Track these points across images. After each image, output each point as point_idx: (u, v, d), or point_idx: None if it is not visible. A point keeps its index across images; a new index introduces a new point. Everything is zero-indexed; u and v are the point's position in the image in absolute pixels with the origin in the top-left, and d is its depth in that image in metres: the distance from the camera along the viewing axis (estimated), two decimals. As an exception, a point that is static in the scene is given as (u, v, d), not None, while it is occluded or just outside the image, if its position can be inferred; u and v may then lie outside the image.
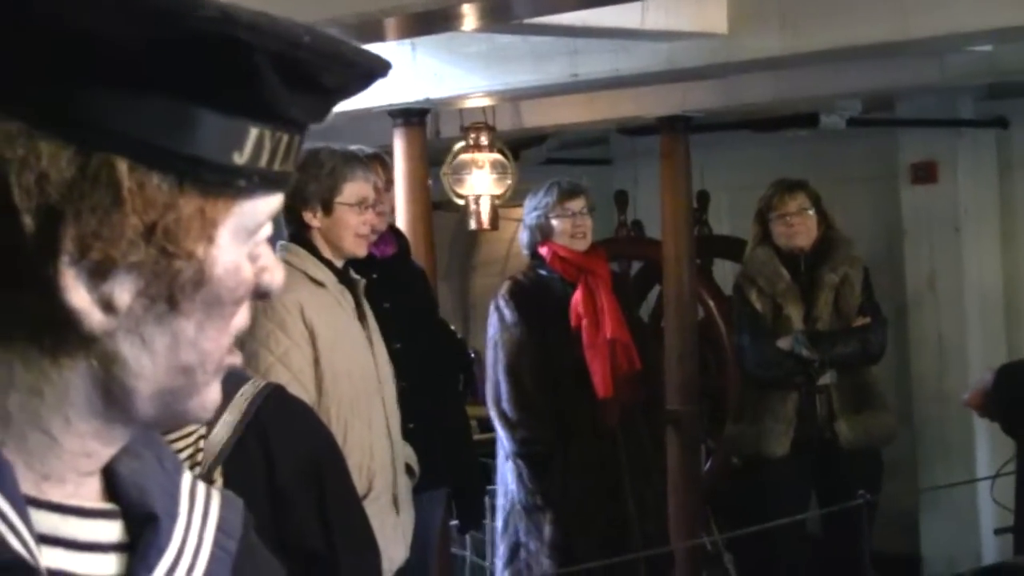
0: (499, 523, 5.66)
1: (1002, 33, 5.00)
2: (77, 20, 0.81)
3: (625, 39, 5.29)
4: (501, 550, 5.64)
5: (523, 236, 5.66)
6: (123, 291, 0.87)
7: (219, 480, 2.33)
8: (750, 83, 6.53)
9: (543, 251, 5.52)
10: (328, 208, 3.89)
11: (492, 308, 5.55)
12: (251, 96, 0.88)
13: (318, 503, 2.58)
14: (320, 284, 3.85)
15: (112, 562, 0.93)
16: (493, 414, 5.48)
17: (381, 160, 4.83)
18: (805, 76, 6.35)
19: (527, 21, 4.75)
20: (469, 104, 6.46)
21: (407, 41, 5.55)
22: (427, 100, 5.95)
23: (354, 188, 3.92)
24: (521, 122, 7.39)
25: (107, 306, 0.86)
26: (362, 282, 3.99)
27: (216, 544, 1.00)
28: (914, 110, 7.99)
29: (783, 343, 5.67)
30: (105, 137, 0.84)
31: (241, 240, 0.92)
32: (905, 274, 8.05)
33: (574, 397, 5.40)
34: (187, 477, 1.02)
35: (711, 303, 7.82)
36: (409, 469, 4.16)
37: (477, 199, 6.79)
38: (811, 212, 5.77)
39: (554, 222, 5.49)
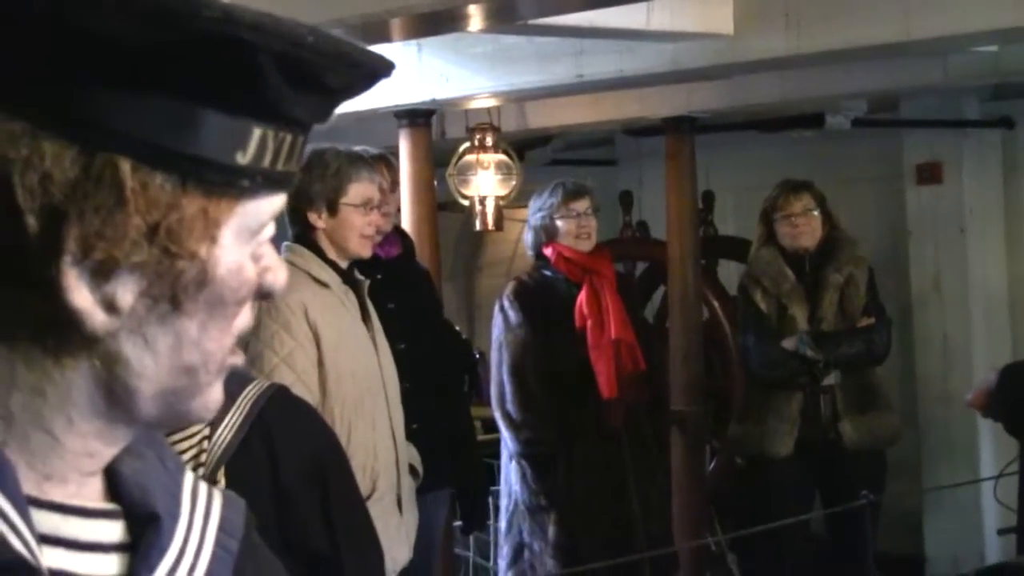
0: (503, 524, 5.66)
1: (1006, 34, 5.00)
2: (80, 20, 0.81)
3: (630, 40, 5.30)
4: (505, 551, 5.65)
5: (528, 237, 5.66)
6: (126, 291, 0.87)
7: (223, 480, 2.33)
8: (755, 84, 6.53)
9: (548, 252, 5.52)
10: (333, 209, 3.89)
11: (496, 309, 5.55)
12: (254, 96, 0.88)
13: (322, 503, 2.58)
14: (324, 285, 3.85)
15: (114, 562, 0.93)
16: (497, 415, 5.48)
17: (386, 161, 4.83)
18: (810, 77, 6.35)
19: (532, 22, 4.76)
20: (474, 105, 6.47)
21: (413, 42, 5.56)
22: (432, 101, 5.95)
23: (359, 189, 3.92)
24: (526, 123, 7.39)
25: (110, 306, 0.86)
26: (366, 283, 3.99)
27: (218, 544, 1.00)
28: (919, 111, 7.99)
29: (788, 343, 5.67)
30: (108, 137, 0.84)
31: (244, 240, 0.92)
32: (910, 275, 8.05)
33: (578, 398, 5.40)
34: (189, 477, 1.02)
35: (716, 304, 7.81)
36: (413, 470, 4.16)
37: (482, 200, 6.79)
38: (816, 213, 5.76)
39: (559, 223, 5.49)
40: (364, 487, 3.53)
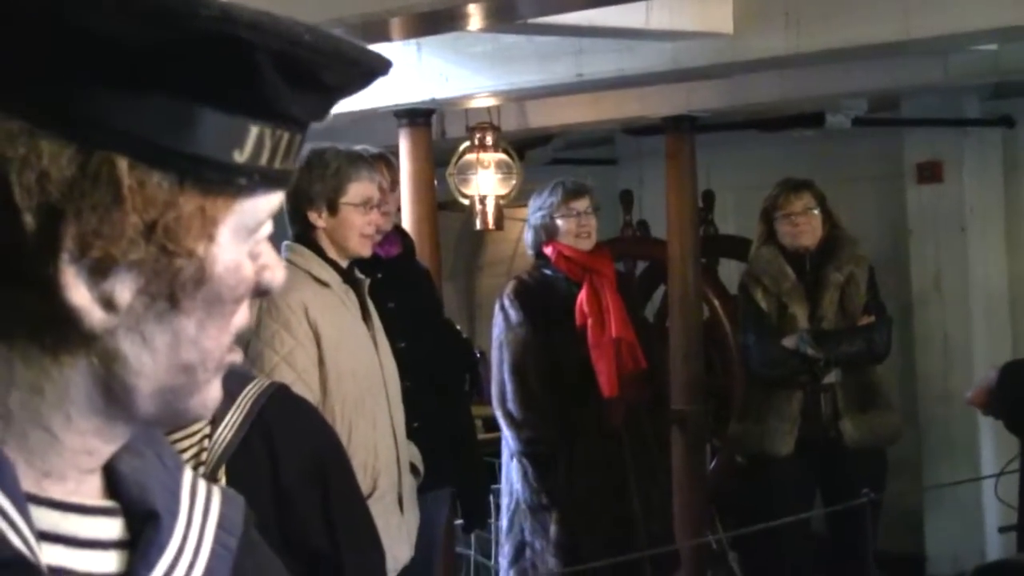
0: (504, 522, 5.66)
1: (1006, 32, 5.00)
2: (79, 19, 0.81)
3: (630, 39, 5.30)
4: (506, 549, 5.65)
5: (528, 236, 5.66)
6: (124, 289, 0.87)
7: (223, 479, 2.34)
8: (755, 83, 6.52)
9: (548, 251, 5.52)
10: (333, 208, 3.89)
11: (497, 308, 5.55)
12: (252, 94, 0.88)
13: (322, 502, 2.58)
14: (324, 284, 3.85)
15: (113, 559, 0.93)
16: (498, 413, 5.49)
17: (386, 160, 4.83)
18: (810, 76, 6.35)
19: (532, 21, 4.76)
20: (474, 104, 6.46)
21: (412, 41, 5.56)
22: (432, 100, 5.95)
23: (359, 188, 3.92)
24: (526, 122, 7.39)
25: (107, 304, 0.87)
26: (367, 282, 3.99)
27: (217, 541, 1.00)
28: (920, 109, 7.99)
29: (788, 342, 5.67)
30: (106, 135, 0.84)
31: (242, 238, 0.92)
32: (910, 273, 8.05)
33: (579, 397, 5.40)
34: (188, 474, 1.02)
35: (716, 302, 7.81)
36: (414, 468, 4.16)
37: (482, 199, 6.79)
38: (816, 211, 5.77)
39: (559, 222, 5.50)
40: (365, 486, 3.53)
